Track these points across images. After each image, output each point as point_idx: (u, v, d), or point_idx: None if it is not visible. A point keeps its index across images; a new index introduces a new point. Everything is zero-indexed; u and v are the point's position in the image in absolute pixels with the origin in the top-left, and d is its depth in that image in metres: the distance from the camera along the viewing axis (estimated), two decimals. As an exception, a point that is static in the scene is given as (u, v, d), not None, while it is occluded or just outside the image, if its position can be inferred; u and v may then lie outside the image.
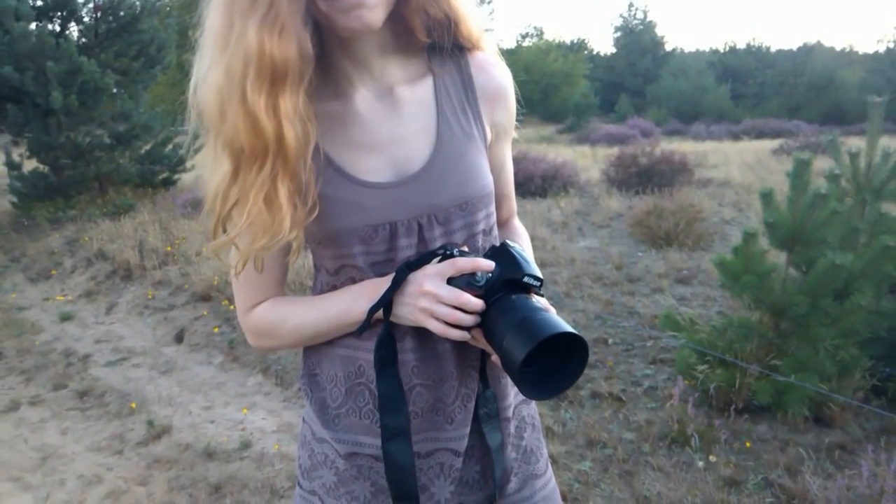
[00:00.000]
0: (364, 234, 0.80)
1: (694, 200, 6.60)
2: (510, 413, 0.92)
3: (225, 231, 0.78)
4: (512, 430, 0.92)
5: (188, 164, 9.19)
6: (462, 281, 0.76)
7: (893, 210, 2.95)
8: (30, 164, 8.35)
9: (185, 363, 3.71)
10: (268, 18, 0.70)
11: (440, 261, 0.78)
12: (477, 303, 0.74)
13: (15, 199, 8.37)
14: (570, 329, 0.71)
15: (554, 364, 0.73)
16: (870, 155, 3.07)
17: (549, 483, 0.97)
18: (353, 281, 0.84)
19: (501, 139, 0.93)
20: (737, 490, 2.12)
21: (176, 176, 9.16)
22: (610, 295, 4.28)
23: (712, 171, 10.16)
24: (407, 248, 0.82)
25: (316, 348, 0.90)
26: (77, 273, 5.88)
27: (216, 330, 4.02)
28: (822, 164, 4.30)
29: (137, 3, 8.46)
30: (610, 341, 3.50)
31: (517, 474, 0.93)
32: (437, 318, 0.75)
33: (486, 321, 0.76)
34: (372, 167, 0.82)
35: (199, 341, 3.96)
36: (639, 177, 8.32)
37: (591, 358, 3.23)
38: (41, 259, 6.38)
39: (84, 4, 8.65)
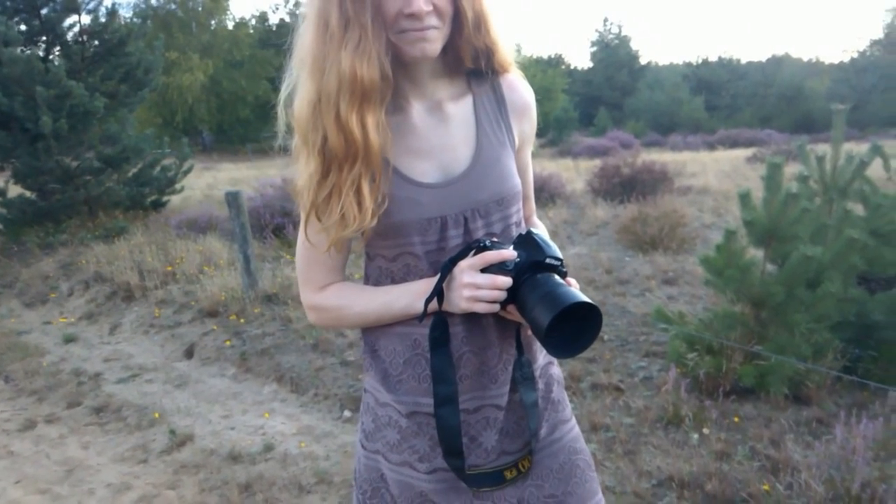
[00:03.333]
0: (420, 226, 0.98)
1: (675, 207, 6.89)
2: (538, 373, 1.10)
3: (318, 217, 0.96)
4: (542, 386, 1.10)
5: (177, 186, 9.30)
6: (495, 267, 0.94)
7: (857, 207, 3.22)
8: (14, 190, 8.36)
9: (199, 376, 3.84)
10: (358, 49, 0.90)
11: (475, 254, 0.96)
12: (507, 280, 0.92)
13: (0, 226, 8.36)
14: (586, 299, 0.88)
15: (575, 329, 0.90)
16: (835, 158, 3.34)
17: (575, 427, 1.16)
18: (409, 266, 1.02)
19: (526, 146, 1.13)
20: (728, 460, 2.33)
21: (165, 198, 9.25)
22: (602, 297, 4.50)
23: (691, 179, 10.52)
24: (455, 237, 0.99)
25: (374, 328, 1.07)
26: (75, 296, 5.95)
27: (228, 343, 4.15)
28: (793, 169, 4.60)
29: (124, 26, 8.62)
30: (606, 338, 3.71)
31: (548, 421, 1.10)
32: (481, 301, 0.93)
33: (518, 297, 0.94)
34: (425, 170, 1.00)
35: (209, 355, 4.08)
36: (622, 187, 8.62)
37: (590, 353, 3.43)
38: (36, 284, 6.42)
39: (69, 28, 8.78)
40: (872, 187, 3.38)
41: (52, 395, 3.79)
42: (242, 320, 4.40)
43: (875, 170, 3.37)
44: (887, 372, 2.78)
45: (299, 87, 0.97)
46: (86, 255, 6.69)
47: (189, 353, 4.21)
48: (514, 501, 1.05)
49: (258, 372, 3.72)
